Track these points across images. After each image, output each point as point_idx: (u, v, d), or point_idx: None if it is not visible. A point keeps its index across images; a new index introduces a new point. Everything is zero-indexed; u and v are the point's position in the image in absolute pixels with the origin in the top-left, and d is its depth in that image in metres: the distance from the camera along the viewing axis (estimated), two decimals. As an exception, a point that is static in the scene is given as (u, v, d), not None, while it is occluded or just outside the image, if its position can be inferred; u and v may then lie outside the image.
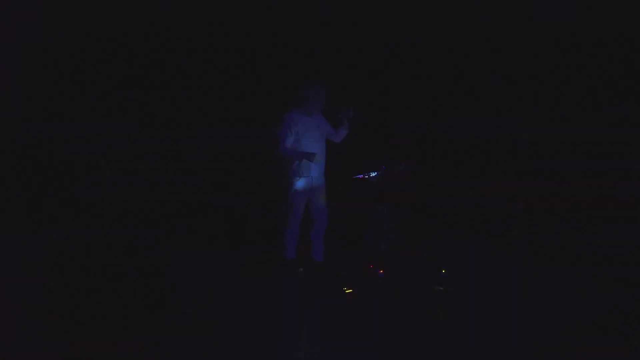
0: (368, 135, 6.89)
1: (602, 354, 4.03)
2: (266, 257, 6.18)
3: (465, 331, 4.48)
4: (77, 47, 7.20)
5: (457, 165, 7.33)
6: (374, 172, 5.57)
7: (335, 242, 5.97)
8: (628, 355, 4.03)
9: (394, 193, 5.69)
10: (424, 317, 4.77)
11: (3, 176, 7.13)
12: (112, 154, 7.47)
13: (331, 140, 5.92)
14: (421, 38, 7.10)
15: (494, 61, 7.03)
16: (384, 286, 5.39)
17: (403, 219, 6.01)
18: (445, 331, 4.50)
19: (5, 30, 6.88)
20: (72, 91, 7.30)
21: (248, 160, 7.48)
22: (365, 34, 7.12)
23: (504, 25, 6.89)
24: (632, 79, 6.60)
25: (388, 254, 5.56)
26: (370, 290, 5.36)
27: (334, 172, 5.98)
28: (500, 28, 6.92)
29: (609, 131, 6.76)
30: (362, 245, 5.77)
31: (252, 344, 4.29)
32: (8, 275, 5.79)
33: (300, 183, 5.75)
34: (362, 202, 6.00)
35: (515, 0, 6.83)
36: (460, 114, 7.22)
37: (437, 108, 7.25)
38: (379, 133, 7.17)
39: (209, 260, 6.33)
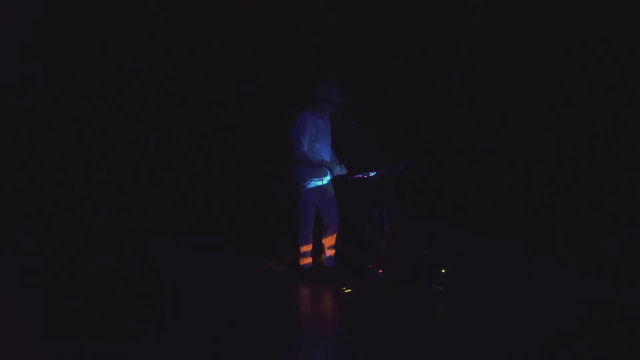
0: (367, 135, 6.88)
1: (601, 354, 4.04)
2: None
3: (465, 331, 4.48)
4: (77, 47, 7.21)
5: (457, 164, 7.33)
6: (373, 171, 5.54)
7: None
8: (628, 355, 4.03)
9: (393, 193, 5.67)
10: (424, 317, 4.77)
11: (3, 176, 7.13)
12: (113, 154, 7.47)
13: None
14: (420, 37, 7.10)
15: (494, 61, 7.03)
16: (384, 286, 5.38)
17: (403, 219, 6.00)
18: (445, 331, 4.50)
19: (5, 30, 6.88)
20: (72, 91, 7.30)
21: (251, 161, 7.48)
22: (365, 33, 7.12)
23: (504, 25, 6.89)
24: (633, 78, 6.59)
25: (388, 254, 5.54)
26: (370, 290, 5.36)
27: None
28: (500, 27, 6.92)
29: (609, 130, 6.75)
30: (362, 245, 5.75)
31: (251, 344, 4.30)
32: (8, 276, 5.79)
33: (311, 188, 5.68)
34: (362, 202, 5.98)
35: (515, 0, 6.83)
36: (459, 113, 7.21)
37: (437, 107, 7.24)
38: (379, 133, 7.15)
39: (209, 261, 6.34)
